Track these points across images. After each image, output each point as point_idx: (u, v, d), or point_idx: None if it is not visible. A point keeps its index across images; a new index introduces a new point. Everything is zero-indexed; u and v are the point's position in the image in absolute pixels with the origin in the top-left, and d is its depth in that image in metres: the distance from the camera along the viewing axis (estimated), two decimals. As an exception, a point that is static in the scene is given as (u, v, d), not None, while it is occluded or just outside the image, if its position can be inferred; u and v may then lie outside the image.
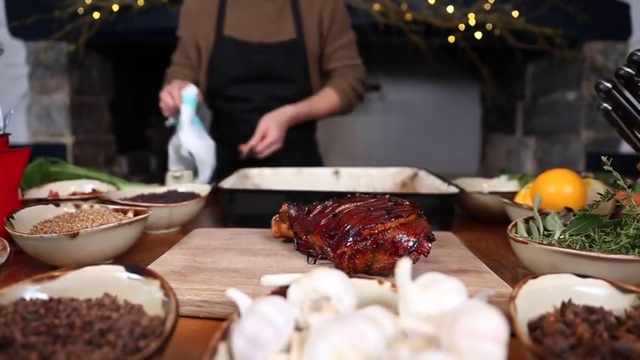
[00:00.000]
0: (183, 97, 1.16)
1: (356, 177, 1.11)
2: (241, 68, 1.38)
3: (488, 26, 2.12)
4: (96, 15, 2.14)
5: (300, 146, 1.49)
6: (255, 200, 0.85)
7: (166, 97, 1.19)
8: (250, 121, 1.34)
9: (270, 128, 1.26)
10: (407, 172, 1.10)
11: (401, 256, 0.50)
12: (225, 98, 1.43)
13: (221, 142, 1.45)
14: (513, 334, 0.32)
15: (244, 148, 1.25)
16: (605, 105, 0.58)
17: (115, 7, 2.14)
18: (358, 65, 1.47)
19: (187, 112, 1.15)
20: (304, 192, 0.91)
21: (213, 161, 1.20)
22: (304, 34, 1.38)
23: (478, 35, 2.13)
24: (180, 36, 1.43)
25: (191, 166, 1.18)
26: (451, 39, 2.16)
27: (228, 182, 0.93)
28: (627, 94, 0.57)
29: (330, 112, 1.42)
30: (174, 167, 1.19)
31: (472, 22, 2.11)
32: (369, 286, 0.37)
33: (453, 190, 0.83)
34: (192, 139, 1.15)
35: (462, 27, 2.13)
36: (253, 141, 1.25)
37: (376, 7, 2.12)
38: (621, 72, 0.55)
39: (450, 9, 2.11)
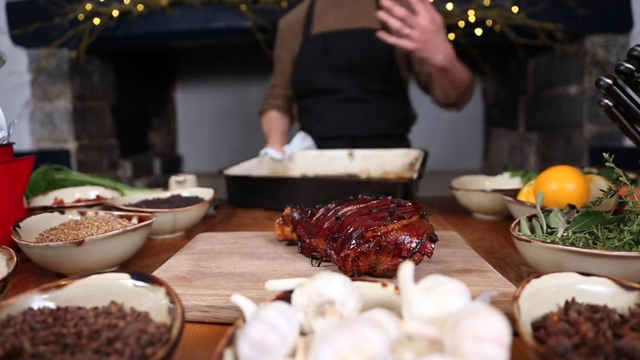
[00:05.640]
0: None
1: (368, 158, 1.23)
2: (324, 59, 1.39)
3: (488, 22, 2.12)
4: (96, 21, 2.15)
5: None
6: (253, 184, 1.03)
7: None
8: (340, 112, 1.36)
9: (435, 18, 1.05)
10: (413, 153, 1.23)
11: (404, 257, 0.50)
12: (313, 93, 1.44)
13: (310, 136, 1.47)
14: (517, 334, 0.32)
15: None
16: (606, 101, 0.58)
17: (115, 13, 2.15)
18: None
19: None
20: (289, 179, 1.06)
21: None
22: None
23: (478, 32, 2.13)
24: (277, 56, 1.52)
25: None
26: (451, 36, 2.15)
27: (251, 163, 1.17)
28: (628, 89, 0.56)
29: (463, 83, 1.23)
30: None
31: (472, 18, 2.10)
32: (372, 288, 0.37)
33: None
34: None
35: (461, 24, 2.12)
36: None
37: (375, 5, 2.11)
38: (621, 68, 0.54)
39: (450, 6, 2.10)
